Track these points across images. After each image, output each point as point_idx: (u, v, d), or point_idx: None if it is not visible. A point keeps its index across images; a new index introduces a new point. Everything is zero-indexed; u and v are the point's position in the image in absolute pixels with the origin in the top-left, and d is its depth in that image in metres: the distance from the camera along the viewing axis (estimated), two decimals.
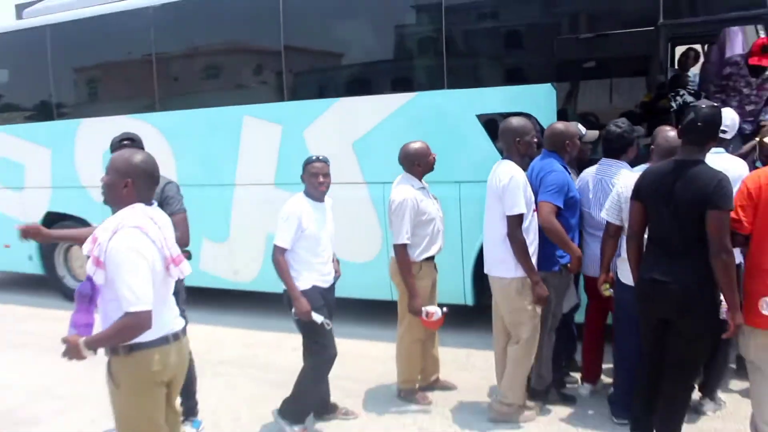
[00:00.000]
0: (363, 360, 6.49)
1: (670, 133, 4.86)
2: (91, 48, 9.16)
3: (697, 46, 8.40)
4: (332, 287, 5.39)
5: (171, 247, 3.54)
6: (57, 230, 4.93)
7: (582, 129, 5.72)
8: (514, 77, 7.07)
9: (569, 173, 5.35)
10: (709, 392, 5.34)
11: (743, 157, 5.72)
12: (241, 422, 5.61)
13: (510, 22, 7.23)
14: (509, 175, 4.99)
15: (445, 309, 5.54)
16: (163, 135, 8.51)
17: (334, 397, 5.62)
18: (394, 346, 5.90)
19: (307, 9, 7.82)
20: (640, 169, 4.75)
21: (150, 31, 8.55)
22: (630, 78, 6.84)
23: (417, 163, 5.48)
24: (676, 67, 8.35)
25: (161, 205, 4.21)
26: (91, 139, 8.79)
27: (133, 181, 3.48)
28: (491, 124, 6.74)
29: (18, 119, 10.00)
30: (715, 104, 4.36)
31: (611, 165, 5.45)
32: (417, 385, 5.90)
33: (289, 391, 5.25)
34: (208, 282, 8.63)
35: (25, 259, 10.12)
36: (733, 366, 5.81)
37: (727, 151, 5.35)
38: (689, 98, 7.05)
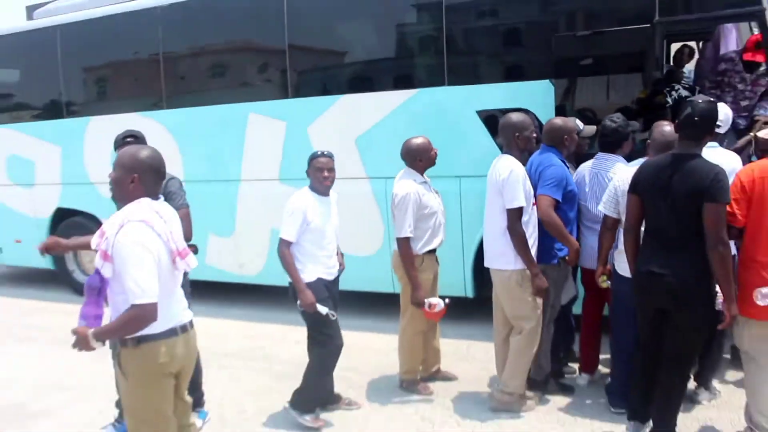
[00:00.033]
0: (366, 352, 6.48)
1: (666, 127, 4.84)
2: (99, 47, 9.15)
3: (692, 43, 8.38)
4: (337, 280, 5.38)
5: (177, 240, 3.53)
6: (73, 239, 4.90)
7: (580, 124, 5.69)
8: (513, 74, 7.05)
9: (567, 167, 5.34)
10: (704, 382, 5.33)
11: (739, 151, 5.70)
12: (246, 414, 5.59)
13: (509, 20, 7.22)
14: (509, 169, 4.98)
15: (447, 300, 5.54)
16: (170, 132, 8.51)
17: (338, 388, 5.60)
18: (396, 338, 5.88)
19: (310, 8, 7.79)
20: (637, 163, 4.73)
21: (157, 30, 8.53)
22: (626, 74, 6.81)
23: (419, 158, 5.46)
24: (672, 63, 8.32)
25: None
26: (100, 136, 8.73)
27: (139, 177, 3.48)
28: (491, 119, 6.72)
29: (29, 117, 9.99)
30: (712, 99, 4.33)
31: (607, 159, 5.44)
32: (419, 375, 5.89)
33: (294, 383, 5.24)
34: (213, 276, 8.63)
35: (36, 254, 10.02)
36: (728, 356, 5.79)
37: (722, 145, 5.33)
38: (684, 93, 7.02)
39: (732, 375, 5.69)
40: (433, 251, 5.61)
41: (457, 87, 7.00)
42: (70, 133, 9.32)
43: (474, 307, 7.15)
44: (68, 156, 9.40)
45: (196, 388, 5.20)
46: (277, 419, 5.43)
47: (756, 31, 6.57)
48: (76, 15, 9.24)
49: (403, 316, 5.73)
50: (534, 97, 6.51)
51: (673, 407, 4.42)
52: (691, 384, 5.13)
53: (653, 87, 6.30)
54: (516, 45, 7.29)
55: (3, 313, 9.36)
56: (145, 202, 3.47)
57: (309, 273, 5.08)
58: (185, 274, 3.81)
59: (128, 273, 3.28)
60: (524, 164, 5.16)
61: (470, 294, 7.21)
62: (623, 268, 4.84)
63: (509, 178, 4.96)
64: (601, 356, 5.84)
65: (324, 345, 5.17)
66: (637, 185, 4.39)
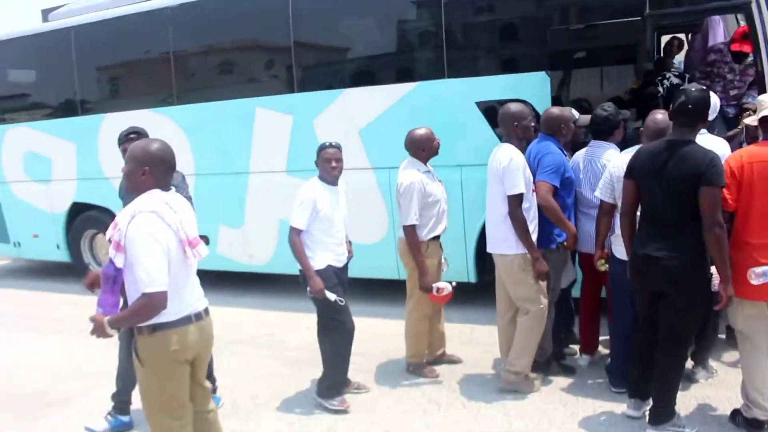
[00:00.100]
0: (373, 337, 6.44)
1: (658, 115, 4.83)
2: (112, 47, 9.12)
3: (681, 35, 8.33)
4: (346, 267, 5.37)
5: (187, 230, 3.50)
6: None
7: (575, 114, 5.68)
8: (511, 66, 7.02)
9: (565, 155, 5.32)
10: (701, 361, 5.31)
11: (730, 139, 5.69)
12: (258, 399, 5.56)
13: (505, 14, 7.19)
14: (509, 157, 4.97)
15: (454, 283, 5.53)
16: (180, 127, 8.49)
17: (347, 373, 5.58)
18: (402, 323, 5.86)
19: (314, 6, 7.77)
20: (632, 150, 4.70)
21: (168, 30, 8.50)
22: (619, 66, 6.80)
23: (422, 148, 5.44)
24: (662, 55, 8.28)
25: None
26: (114, 132, 8.69)
27: (150, 169, 3.47)
28: (490, 110, 6.70)
29: (45, 116, 9.96)
30: (704, 87, 4.32)
31: (600, 146, 5.44)
32: (425, 359, 5.87)
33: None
34: (224, 266, 8.63)
35: (53, 248, 10.13)
36: (723, 336, 5.77)
37: (710, 132, 5.31)
38: (676, 81, 7.00)
39: (728, 355, 5.67)
40: (437, 238, 5.59)
41: (457, 79, 6.97)
42: (85, 130, 9.29)
43: (476, 292, 7.14)
44: (83, 152, 9.38)
45: (208, 374, 5.19)
46: (289, 403, 5.42)
47: (743, 23, 6.55)
48: (90, 16, 9.21)
49: (409, 301, 5.72)
50: (531, 88, 6.48)
51: (672, 386, 4.40)
52: (689, 363, 5.12)
53: (645, 78, 6.29)
54: (513, 38, 7.26)
55: (22, 304, 9.37)
56: (156, 193, 3.46)
57: (319, 260, 5.06)
58: None
59: (139, 262, 3.28)
60: (523, 152, 5.14)
61: (473, 279, 7.19)
62: (620, 251, 4.82)
63: (509, 166, 4.94)
64: (601, 338, 5.82)
65: (337, 331, 5.16)
66: (633, 170, 4.37)
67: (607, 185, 4.90)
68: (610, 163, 5.04)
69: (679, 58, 8.30)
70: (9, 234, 10.50)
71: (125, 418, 5.06)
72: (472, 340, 6.54)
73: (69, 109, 9.58)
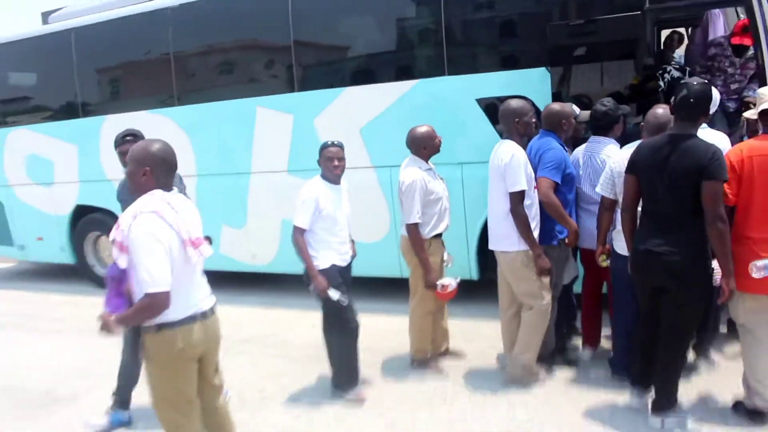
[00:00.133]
0: (377, 333, 6.43)
1: (658, 110, 4.81)
2: (113, 48, 9.09)
3: (681, 30, 8.30)
4: (349, 266, 5.37)
5: (190, 229, 3.49)
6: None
7: (576, 109, 5.65)
8: (511, 63, 6.98)
9: (566, 151, 5.30)
10: (702, 352, 5.33)
11: (731, 132, 5.67)
12: (264, 394, 5.58)
13: (505, 10, 7.15)
14: (510, 153, 4.94)
15: (458, 279, 5.53)
16: (182, 128, 8.47)
17: None
18: (406, 320, 5.85)
19: (314, 5, 7.75)
20: (633, 146, 4.67)
21: (168, 30, 8.48)
22: (619, 61, 6.75)
23: (424, 146, 5.41)
24: (662, 49, 8.25)
25: None
26: (115, 134, 8.72)
27: (151, 169, 3.47)
28: (490, 107, 6.68)
29: (46, 118, 9.93)
30: (706, 81, 4.29)
31: (599, 142, 5.43)
32: (429, 354, 5.86)
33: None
34: (228, 266, 8.61)
35: (57, 250, 10.11)
36: (724, 329, 5.77)
37: (710, 126, 5.28)
38: (676, 74, 6.98)
39: (729, 347, 5.64)
40: (439, 235, 5.57)
41: (457, 77, 6.94)
42: (87, 132, 9.25)
43: (479, 289, 7.11)
44: (85, 154, 9.36)
45: None
46: (296, 398, 5.44)
47: (743, 16, 6.53)
48: (89, 18, 9.19)
49: (413, 298, 5.69)
50: (531, 85, 6.45)
51: (674, 379, 4.42)
52: (691, 355, 5.12)
53: (645, 73, 6.26)
54: (512, 34, 7.21)
55: (29, 306, 9.35)
56: (157, 194, 3.46)
57: (323, 259, 5.06)
58: None
59: (140, 263, 3.29)
60: (524, 149, 5.11)
61: (475, 276, 7.17)
62: (621, 246, 4.80)
63: (511, 163, 4.91)
64: (603, 332, 5.81)
65: (342, 328, 5.18)
66: (634, 165, 4.35)
67: (608, 181, 4.89)
68: (610, 159, 5.03)
69: (680, 53, 8.28)
70: (13, 237, 10.49)
71: (124, 415, 5.08)
72: (475, 336, 6.51)
73: (70, 111, 9.55)
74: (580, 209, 5.47)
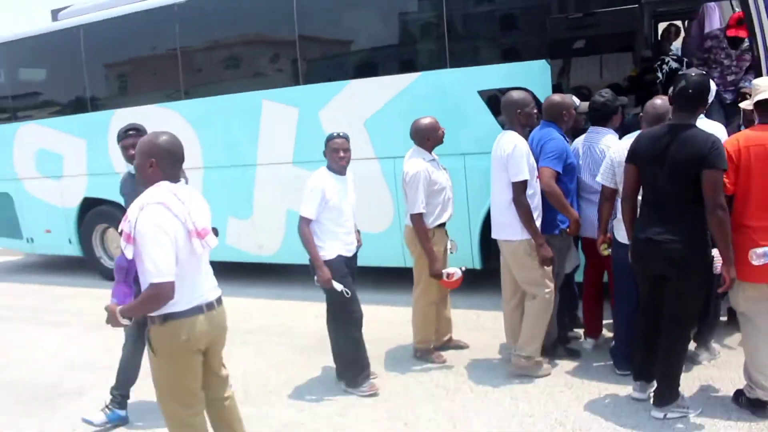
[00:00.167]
0: (381, 324, 6.42)
1: (657, 100, 4.81)
2: (121, 44, 9.12)
3: (678, 22, 8.31)
4: (355, 256, 5.37)
5: (196, 220, 3.48)
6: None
7: (576, 101, 5.67)
8: (511, 55, 7.00)
9: (567, 141, 5.32)
10: (703, 342, 5.28)
11: (727, 123, 5.69)
12: (269, 386, 5.57)
13: (505, 4, 7.18)
14: (513, 144, 4.96)
15: (463, 268, 5.53)
16: (188, 121, 8.49)
17: None
18: (409, 310, 5.85)
19: (318, 1, 7.78)
20: (633, 136, 4.69)
21: (175, 26, 8.50)
22: (618, 53, 6.77)
23: (427, 138, 5.43)
24: (660, 41, 8.27)
25: None
26: None
27: (157, 161, 3.47)
28: (491, 99, 6.71)
29: (56, 113, 9.97)
30: (704, 72, 4.31)
31: (598, 132, 5.44)
32: (432, 345, 5.86)
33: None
34: (234, 256, 8.65)
35: (65, 243, 10.15)
36: (724, 318, 5.75)
37: (707, 117, 5.30)
38: (674, 65, 7.00)
39: (730, 336, 5.65)
40: (443, 225, 5.59)
41: (459, 69, 6.96)
42: (95, 126, 9.27)
43: (481, 279, 7.12)
44: (94, 148, 9.38)
45: None
46: (300, 390, 5.43)
47: (738, 9, 6.53)
48: (98, 15, 9.21)
49: (416, 288, 5.71)
50: (531, 76, 6.48)
51: (676, 368, 4.40)
52: (692, 345, 5.10)
53: (643, 64, 6.28)
54: (513, 27, 7.24)
55: (37, 298, 9.38)
56: (164, 185, 3.45)
57: (329, 250, 5.06)
58: None
59: (146, 253, 3.29)
60: (526, 139, 5.12)
61: (477, 266, 7.18)
62: (622, 236, 4.81)
63: (513, 153, 4.93)
64: (605, 321, 5.81)
65: (346, 319, 5.18)
66: (634, 155, 4.36)
67: (608, 170, 4.90)
68: (610, 149, 5.03)
69: (677, 45, 8.29)
70: (22, 230, 10.53)
71: (122, 413, 5.02)
72: (479, 326, 6.53)
73: (79, 105, 9.58)
74: (581, 199, 5.48)
